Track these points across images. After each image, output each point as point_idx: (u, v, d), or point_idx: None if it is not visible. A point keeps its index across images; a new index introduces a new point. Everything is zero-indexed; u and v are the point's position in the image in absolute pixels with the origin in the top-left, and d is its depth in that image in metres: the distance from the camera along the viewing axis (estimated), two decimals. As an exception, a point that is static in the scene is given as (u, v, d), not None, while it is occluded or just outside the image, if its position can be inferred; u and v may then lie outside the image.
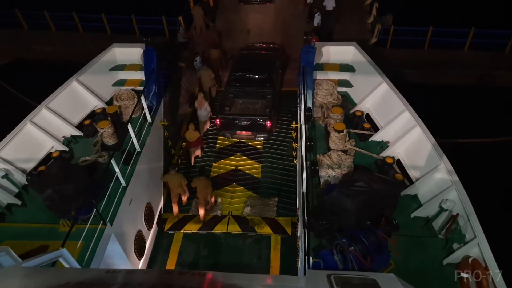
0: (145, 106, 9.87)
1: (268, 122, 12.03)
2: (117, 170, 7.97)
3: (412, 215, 7.58)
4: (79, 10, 18.61)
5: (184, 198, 11.00)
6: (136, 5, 19.50)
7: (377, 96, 9.89)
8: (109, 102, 11.08)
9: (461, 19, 17.31)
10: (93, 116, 10.59)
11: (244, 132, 12.41)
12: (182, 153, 12.54)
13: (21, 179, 8.73)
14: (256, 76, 13.19)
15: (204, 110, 12.73)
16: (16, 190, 8.53)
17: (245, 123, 12.15)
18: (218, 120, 12.40)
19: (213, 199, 10.82)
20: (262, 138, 12.61)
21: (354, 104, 10.51)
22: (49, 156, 9.32)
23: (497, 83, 15.58)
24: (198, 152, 12.37)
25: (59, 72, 11.54)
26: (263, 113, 12.15)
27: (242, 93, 12.82)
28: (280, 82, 14.12)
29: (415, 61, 16.17)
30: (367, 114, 10.15)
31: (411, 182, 8.27)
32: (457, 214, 6.76)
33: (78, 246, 6.86)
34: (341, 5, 16.36)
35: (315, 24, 14.86)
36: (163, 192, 11.28)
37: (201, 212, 10.41)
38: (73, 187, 7.63)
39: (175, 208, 10.74)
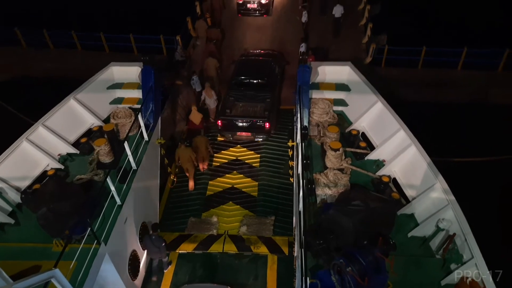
0: (142, 124, 9.88)
1: (267, 123, 12.68)
2: (112, 188, 7.91)
3: (409, 234, 7.55)
4: (78, 28, 18.84)
5: (201, 166, 12.18)
6: (135, 24, 19.76)
7: (372, 115, 9.97)
8: (106, 120, 11.08)
9: (454, 39, 17.67)
10: (90, 134, 10.57)
11: (244, 133, 12.97)
12: (186, 136, 13.18)
13: (15, 197, 8.63)
14: (256, 81, 13.93)
15: (212, 99, 13.78)
16: (10, 209, 8.43)
17: (245, 124, 12.81)
18: (219, 121, 13.00)
19: (211, 151, 12.35)
20: (261, 139, 13.15)
21: (350, 123, 10.59)
22: (44, 174, 9.25)
23: (491, 100, 15.78)
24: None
25: (57, 89, 11.57)
26: (262, 115, 12.83)
27: (243, 96, 13.51)
28: (279, 86, 14.73)
29: (409, 80, 16.40)
30: (363, 133, 10.20)
31: (408, 201, 8.27)
32: (454, 234, 6.74)
33: (71, 266, 6.73)
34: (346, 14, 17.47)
35: (300, 50, 15.12)
36: (159, 210, 11.19)
37: (201, 166, 12.14)
38: (67, 205, 7.54)
39: (191, 183, 11.82)
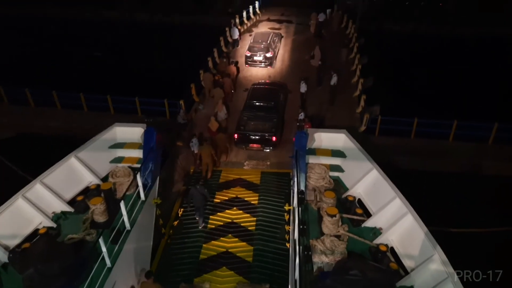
0: (139, 183, 9.92)
1: (274, 137, 15.68)
2: (104, 249, 7.72)
3: (410, 308, 7.25)
4: (85, 90, 19.66)
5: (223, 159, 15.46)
6: (140, 88, 20.69)
7: (368, 182, 10.08)
8: (105, 179, 11.10)
9: (445, 111, 18.55)
10: (87, 192, 10.52)
11: (255, 145, 15.93)
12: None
13: (3, 256, 8.32)
14: (265, 104, 17.04)
15: (222, 112, 16.89)
16: (-5, 269, 8.11)
17: (256, 138, 15.82)
18: (236, 134, 15.98)
19: (229, 146, 15.66)
20: (268, 150, 15.90)
21: (346, 189, 10.66)
22: (36, 232, 9.03)
23: (483, 172, 16.08)
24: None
25: (60, 147, 11.75)
26: (270, 131, 15.78)
27: (254, 116, 16.54)
28: (283, 109, 17.90)
29: (403, 149, 16.82)
30: (359, 199, 10.24)
31: (406, 271, 8.04)
32: (456, 309, 6.49)
33: None
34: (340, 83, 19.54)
35: (299, 118, 16.31)
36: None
37: (223, 159, 15.53)
38: (55, 267, 7.32)
39: (210, 174, 14.43)
